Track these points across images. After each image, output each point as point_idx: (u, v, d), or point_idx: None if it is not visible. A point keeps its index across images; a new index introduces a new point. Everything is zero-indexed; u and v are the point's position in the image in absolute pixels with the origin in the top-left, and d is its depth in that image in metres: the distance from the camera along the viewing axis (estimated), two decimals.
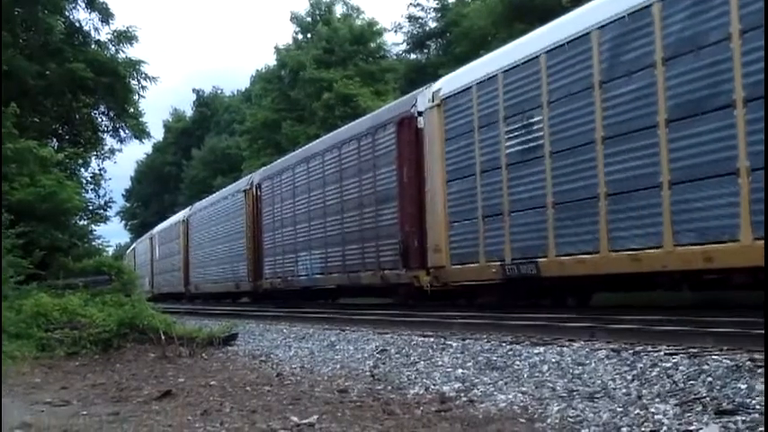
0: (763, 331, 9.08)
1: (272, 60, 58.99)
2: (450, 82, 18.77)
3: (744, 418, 6.16)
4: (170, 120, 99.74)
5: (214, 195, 39.11)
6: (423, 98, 20.07)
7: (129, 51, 27.57)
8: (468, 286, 18.55)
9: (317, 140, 27.64)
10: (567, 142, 14.93)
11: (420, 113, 20.04)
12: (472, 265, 17.68)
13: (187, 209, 43.77)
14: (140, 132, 28.49)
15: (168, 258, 45.54)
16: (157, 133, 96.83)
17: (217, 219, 36.15)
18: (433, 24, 44.09)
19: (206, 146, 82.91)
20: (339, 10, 56.06)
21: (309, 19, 57.07)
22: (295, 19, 57.66)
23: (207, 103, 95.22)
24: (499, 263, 16.79)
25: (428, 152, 19.36)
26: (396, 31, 46.55)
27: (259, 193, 30.94)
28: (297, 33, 58.29)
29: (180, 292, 42.35)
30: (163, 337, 15.75)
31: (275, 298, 31.19)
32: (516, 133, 16.24)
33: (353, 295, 26.02)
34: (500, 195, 16.77)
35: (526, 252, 16.04)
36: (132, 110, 28.00)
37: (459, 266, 18.19)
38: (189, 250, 40.89)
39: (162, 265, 47.26)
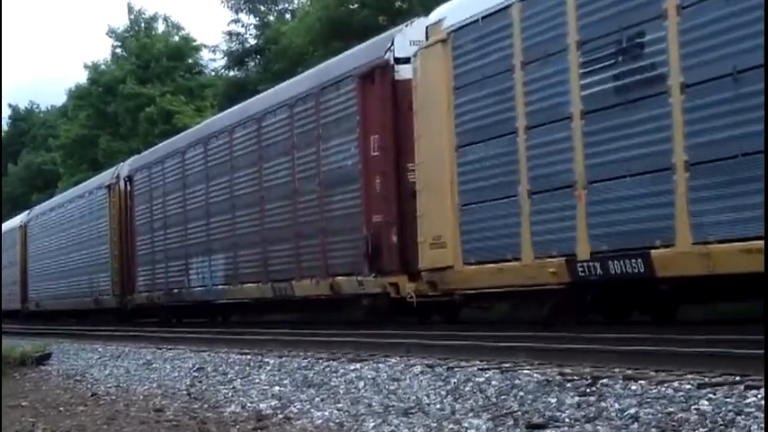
0: (562, 346, 9.15)
1: (84, 76, 54.03)
2: (462, 7, 12.57)
3: (554, 431, 6.09)
4: None
5: (62, 195, 31.68)
6: (404, 39, 13.91)
7: None
8: (488, 295, 12.44)
9: (220, 115, 20.90)
10: (719, 67, 9.01)
11: (400, 60, 13.83)
12: (508, 264, 11.53)
13: (25, 213, 35.99)
14: None
15: None
16: None
17: (67, 223, 28.83)
18: (252, 41, 41.70)
19: (22, 162, 74.42)
20: (160, 27, 51.98)
21: (129, 34, 51.89)
22: (113, 33, 52.38)
23: (23, 118, 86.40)
24: (562, 259, 10.72)
25: (418, 111, 13.13)
26: (214, 51, 43.97)
27: (129, 187, 23.92)
28: (115, 48, 53.13)
29: (15, 310, 34.41)
30: None
31: (154, 315, 24.20)
32: (605, 64, 10.21)
33: (277, 311, 19.25)
34: (567, 159, 10.71)
35: (623, 241, 10.01)
36: None
37: (479, 266, 12.02)
38: (27, 261, 33.19)
39: None
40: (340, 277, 15.02)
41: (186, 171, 20.55)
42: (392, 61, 13.90)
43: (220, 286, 19.01)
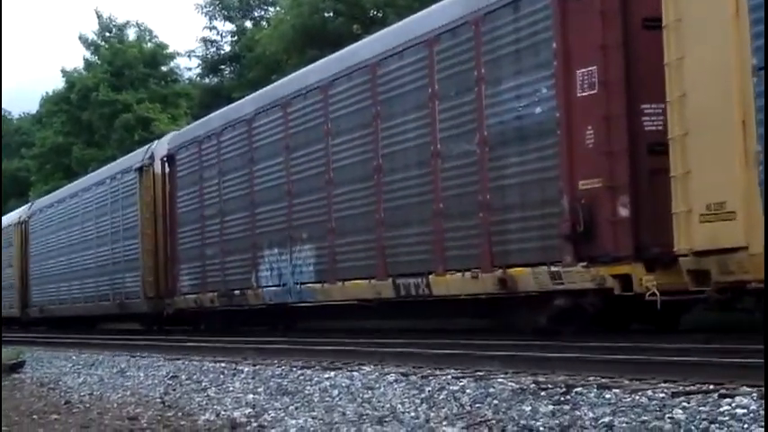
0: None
1: (60, 82, 51.56)
2: None
3: None
4: None
5: (74, 184, 26.70)
6: None
7: None
8: None
9: (303, 70, 16.30)
10: None
11: None
12: None
13: (24, 207, 31.22)
14: None
15: None
16: None
17: (81, 215, 24.11)
18: (227, 48, 40.88)
19: None
20: (131, 33, 49.80)
21: (101, 41, 49.68)
22: (85, 41, 49.82)
23: None
24: None
25: (672, 25, 8.78)
26: (189, 57, 42.82)
27: (169, 168, 19.33)
28: (90, 55, 50.35)
29: (14, 318, 29.59)
30: None
31: (195, 322, 19.69)
32: None
33: (399, 315, 14.68)
34: None
35: None
36: None
37: None
38: (29, 261, 28.47)
39: None
40: (517, 268, 10.62)
41: (255, 143, 16.02)
42: None
43: (308, 285, 14.53)
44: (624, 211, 9.46)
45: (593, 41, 9.73)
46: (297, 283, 14.80)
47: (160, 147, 20.02)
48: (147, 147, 21.16)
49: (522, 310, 11.24)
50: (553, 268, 10.13)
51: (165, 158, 19.45)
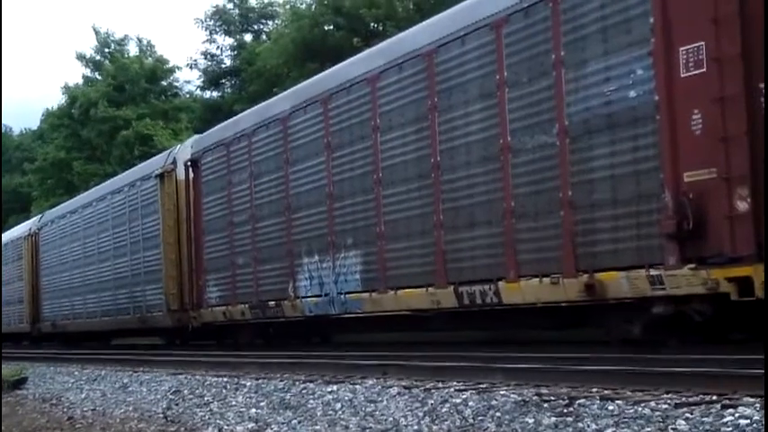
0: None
1: (61, 99, 52.29)
2: None
3: None
4: None
5: (89, 193, 25.53)
6: None
7: None
8: None
9: (343, 64, 14.85)
10: None
11: None
12: None
13: (34, 219, 29.98)
14: None
15: None
16: None
17: (96, 225, 22.84)
18: (228, 62, 41.20)
19: None
20: (132, 48, 50.24)
21: (99, 57, 50.05)
22: (83, 59, 50.32)
23: None
24: None
25: None
26: (191, 68, 43.03)
27: (193, 173, 18.07)
28: (90, 72, 50.84)
29: (24, 333, 28.35)
30: None
31: (219, 337, 18.51)
32: None
33: (461, 326, 13.37)
34: None
35: None
36: None
37: None
38: (39, 275, 27.22)
39: None
40: (607, 272, 9.39)
41: (291, 142, 14.79)
42: None
43: (354, 294, 13.29)
44: (743, 206, 8.22)
45: (701, 14, 8.51)
46: (341, 293, 13.56)
47: (183, 151, 18.77)
48: (167, 152, 19.93)
49: (610, 318, 10.00)
50: (653, 271, 8.90)
51: (188, 163, 18.19)
